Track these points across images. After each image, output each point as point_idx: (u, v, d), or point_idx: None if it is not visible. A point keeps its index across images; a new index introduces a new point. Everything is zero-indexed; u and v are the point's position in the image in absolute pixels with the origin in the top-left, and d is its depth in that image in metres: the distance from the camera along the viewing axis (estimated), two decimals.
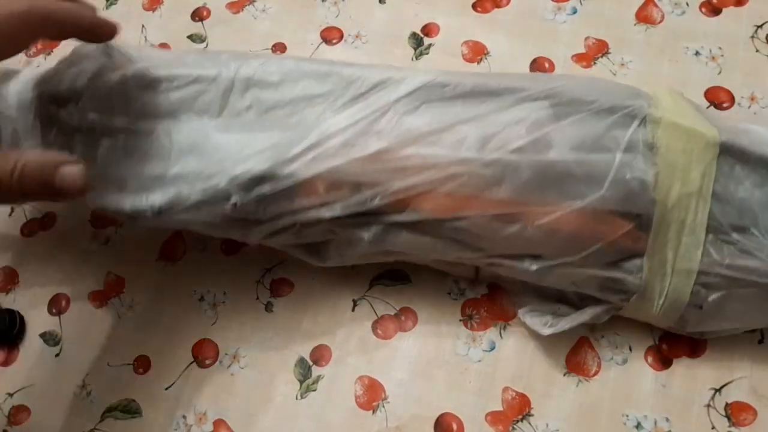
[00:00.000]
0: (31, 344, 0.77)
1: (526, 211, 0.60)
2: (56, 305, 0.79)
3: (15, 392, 0.75)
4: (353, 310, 0.74)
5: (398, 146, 0.61)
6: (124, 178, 0.64)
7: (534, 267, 0.62)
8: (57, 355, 0.76)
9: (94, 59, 0.68)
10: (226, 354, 0.74)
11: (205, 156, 0.63)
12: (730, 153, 0.61)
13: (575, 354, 0.69)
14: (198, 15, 0.96)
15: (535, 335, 0.70)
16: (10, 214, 0.85)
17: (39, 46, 0.98)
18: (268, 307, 0.76)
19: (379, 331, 0.73)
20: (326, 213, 0.61)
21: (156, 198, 0.62)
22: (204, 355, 0.74)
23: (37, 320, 0.78)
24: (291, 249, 0.69)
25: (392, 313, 0.73)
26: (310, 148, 0.61)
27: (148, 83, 0.66)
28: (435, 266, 0.71)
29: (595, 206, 0.59)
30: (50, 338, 0.77)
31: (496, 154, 0.60)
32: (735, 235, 0.59)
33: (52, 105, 0.66)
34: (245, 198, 0.61)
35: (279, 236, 0.66)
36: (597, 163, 0.59)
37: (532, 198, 0.60)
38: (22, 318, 0.78)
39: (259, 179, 0.61)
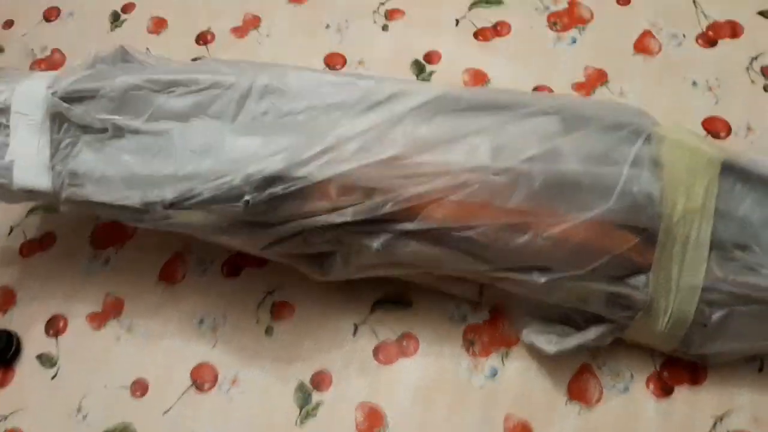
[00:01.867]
0: (27, 366, 0.76)
1: (536, 222, 0.60)
2: (54, 326, 0.78)
3: (9, 415, 0.73)
4: (354, 334, 0.74)
5: (412, 153, 0.62)
6: (135, 175, 0.65)
7: (542, 279, 0.62)
8: (53, 377, 0.75)
9: (110, 62, 0.70)
10: (225, 378, 0.73)
11: (219, 156, 0.64)
12: (731, 171, 0.63)
13: (577, 381, 0.69)
14: (202, 39, 0.98)
15: (537, 361, 0.69)
16: (9, 234, 0.85)
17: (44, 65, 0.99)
18: (269, 330, 0.75)
19: (381, 356, 0.72)
20: (337, 218, 0.62)
21: (168, 192, 0.63)
22: (203, 378, 0.73)
23: (34, 341, 0.77)
24: (294, 260, 0.69)
25: (394, 338, 0.73)
26: (325, 151, 0.62)
27: (163, 86, 0.67)
28: (438, 286, 0.71)
29: (603, 218, 0.60)
30: (46, 360, 0.76)
31: (509, 162, 0.61)
32: (737, 252, 0.61)
33: (65, 103, 0.67)
34: (257, 197, 0.61)
35: (285, 243, 0.65)
36: (605, 176, 0.60)
37: (542, 207, 0.60)
38: (18, 339, 0.77)
39: (273, 179, 0.61)
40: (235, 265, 0.79)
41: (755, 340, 0.64)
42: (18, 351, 0.76)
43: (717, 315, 0.61)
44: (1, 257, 0.84)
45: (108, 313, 0.78)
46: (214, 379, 0.73)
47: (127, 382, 0.74)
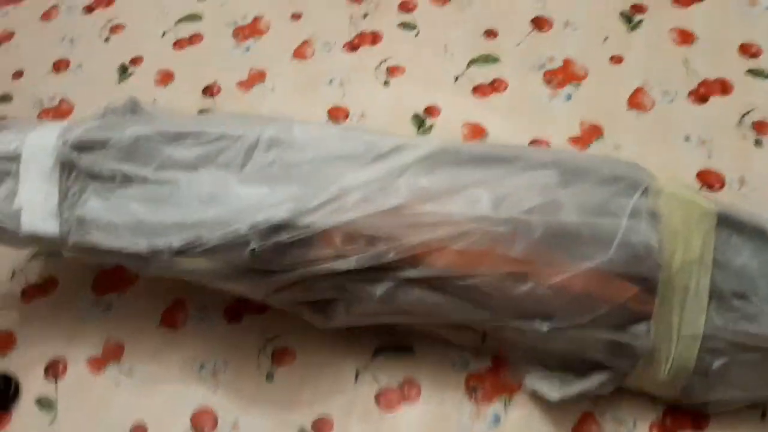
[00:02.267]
0: (25, 410, 0.75)
1: (537, 271, 0.61)
2: (53, 370, 0.77)
3: None
4: (356, 380, 0.73)
5: (414, 203, 0.63)
6: (143, 223, 0.66)
7: (545, 328, 0.62)
8: (51, 421, 0.74)
9: (121, 113, 0.72)
10: (225, 424, 0.72)
11: (226, 205, 0.65)
12: (726, 223, 0.65)
13: (580, 429, 0.68)
14: (209, 91, 1.00)
15: (539, 409, 0.69)
16: (11, 278, 0.85)
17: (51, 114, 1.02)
18: (269, 376, 0.75)
19: (382, 403, 0.72)
20: (341, 265, 0.62)
21: (174, 240, 0.64)
22: (203, 424, 0.72)
23: (33, 385, 0.76)
24: (297, 308, 0.70)
25: (395, 385, 0.73)
26: (330, 200, 0.63)
27: (172, 137, 0.69)
28: (440, 333, 0.71)
29: (603, 268, 0.61)
30: (45, 404, 0.75)
31: (509, 213, 0.62)
32: (736, 302, 0.62)
33: (75, 152, 0.69)
34: (263, 245, 0.62)
35: (289, 290, 0.66)
36: (604, 227, 0.62)
37: (543, 257, 0.62)
38: (17, 382, 0.76)
39: (279, 227, 0.63)
40: (237, 310, 0.79)
41: (756, 388, 0.65)
42: (17, 394, 0.75)
43: (718, 363, 0.62)
44: (2, 301, 0.84)
45: (108, 357, 0.78)
46: (215, 425, 0.72)
47: (127, 427, 0.73)
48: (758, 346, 0.61)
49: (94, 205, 0.68)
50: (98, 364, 0.77)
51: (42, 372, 0.77)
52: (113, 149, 0.68)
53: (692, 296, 0.62)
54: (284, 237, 0.62)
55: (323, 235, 0.63)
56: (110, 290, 0.83)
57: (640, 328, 0.62)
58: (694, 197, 0.66)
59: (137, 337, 0.79)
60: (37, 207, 0.69)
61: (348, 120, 0.95)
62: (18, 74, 1.09)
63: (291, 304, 0.69)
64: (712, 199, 0.68)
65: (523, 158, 0.66)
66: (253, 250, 0.62)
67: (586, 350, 0.64)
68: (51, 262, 0.86)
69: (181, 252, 0.64)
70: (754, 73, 0.90)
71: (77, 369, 0.77)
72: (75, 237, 0.68)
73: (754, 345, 0.61)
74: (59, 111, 1.03)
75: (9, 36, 1.14)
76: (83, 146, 0.69)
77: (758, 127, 0.86)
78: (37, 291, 0.84)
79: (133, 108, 0.75)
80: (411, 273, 0.63)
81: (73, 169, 0.69)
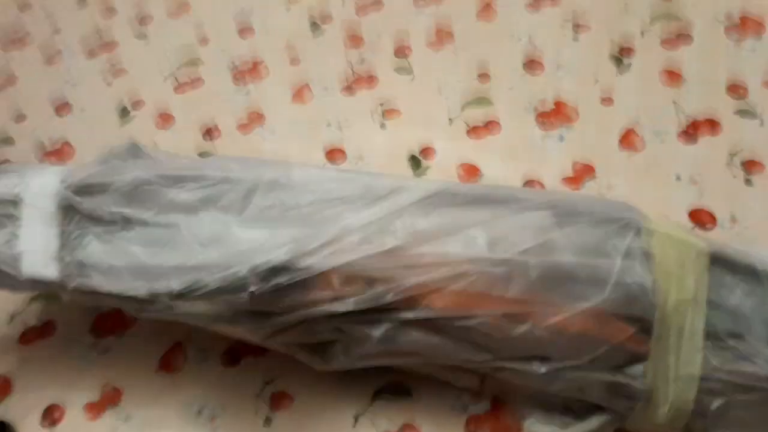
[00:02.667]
0: None
1: (534, 311, 0.62)
2: (50, 417, 0.77)
3: None
4: (354, 425, 0.73)
5: (412, 245, 0.64)
6: (143, 266, 0.66)
7: (543, 369, 0.63)
8: None
9: (122, 157, 0.73)
10: None
11: (226, 248, 0.66)
12: (719, 263, 0.65)
13: None
14: (209, 133, 1.02)
15: None
16: (9, 322, 0.85)
17: (53, 157, 1.03)
18: (267, 421, 0.74)
19: None
20: (339, 307, 0.63)
21: (174, 283, 0.64)
22: None
23: (30, 431, 0.76)
24: (295, 350, 0.70)
25: (394, 429, 0.72)
26: (328, 243, 0.64)
27: (173, 181, 0.70)
28: (439, 375, 0.71)
29: (599, 308, 0.61)
30: None
31: (506, 254, 0.63)
32: (731, 342, 0.62)
33: (76, 196, 0.69)
34: (262, 288, 0.63)
35: (287, 333, 0.66)
36: (599, 267, 0.62)
37: (540, 297, 0.62)
38: (13, 429, 0.75)
39: (278, 270, 0.63)
40: (235, 353, 0.79)
41: (755, 427, 0.65)
42: None
43: (716, 404, 0.62)
44: (0, 345, 0.83)
45: (106, 402, 0.77)
46: None
47: None
48: (756, 385, 0.62)
49: (95, 248, 0.69)
50: (96, 409, 0.77)
51: (39, 418, 0.77)
52: (114, 193, 0.69)
53: (688, 336, 0.62)
54: (284, 279, 0.63)
55: (322, 277, 0.63)
56: (108, 333, 0.83)
57: (638, 369, 0.62)
58: (687, 237, 0.67)
59: (135, 381, 0.79)
60: (38, 251, 0.69)
61: (346, 161, 0.96)
62: (20, 117, 1.10)
63: (289, 347, 0.70)
64: (705, 239, 0.69)
65: (518, 199, 0.67)
66: (252, 292, 0.63)
67: (585, 392, 0.64)
68: (49, 306, 0.86)
69: (180, 295, 0.64)
70: (742, 112, 0.91)
71: (74, 415, 0.77)
72: (75, 281, 0.68)
73: (751, 385, 0.61)
74: (61, 154, 1.04)
75: (12, 80, 1.16)
76: (85, 190, 0.70)
77: (748, 165, 0.87)
78: (35, 334, 0.84)
79: (134, 151, 0.76)
80: (409, 314, 0.63)
81: (75, 213, 0.69)
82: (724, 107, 0.93)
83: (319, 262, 0.63)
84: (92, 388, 0.79)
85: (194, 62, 1.11)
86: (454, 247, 0.64)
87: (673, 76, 0.96)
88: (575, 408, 0.67)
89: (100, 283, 0.67)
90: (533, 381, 0.65)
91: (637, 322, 0.62)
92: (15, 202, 0.71)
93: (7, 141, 1.07)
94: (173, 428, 0.75)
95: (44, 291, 0.83)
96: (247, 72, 1.08)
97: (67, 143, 1.05)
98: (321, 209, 0.68)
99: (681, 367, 0.62)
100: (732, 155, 0.88)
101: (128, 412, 0.77)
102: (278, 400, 0.76)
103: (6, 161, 1.03)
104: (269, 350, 0.74)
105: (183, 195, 0.69)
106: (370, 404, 0.74)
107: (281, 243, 0.65)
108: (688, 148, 0.90)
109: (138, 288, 0.65)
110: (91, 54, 1.17)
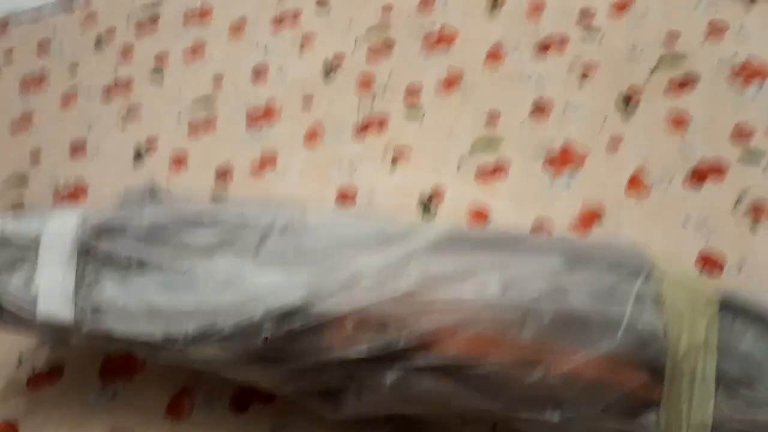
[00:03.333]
0: None
1: (546, 358, 0.62)
2: None
3: None
4: None
5: (425, 289, 0.64)
6: (158, 309, 0.67)
7: (556, 417, 0.62)
8: None
9: (140, 197, 0.74)
10: None
11: (240, 292, 0.66)
12: (729, 308, 0.65)
13: None
14: (223, 175, 1.03)
15: None
16: (18, 366, 0.85)
17: (68, 198, 1.04)
18: None
19: None
20: (352, 352, 0.63)
21: (189, 326, 0.65)
22: None
23: None
24: (306, 397, 0.69)
25: None
26: (342, 286, 0.65)
27: (188, 224, 0.71)
28: (450, 425, 0.71)
29: (611, 355, 0.61)
30: None
31: (518, 299, 0.63)
32: (742, 389, 0.62)
33: (94, 239, 0.70)
34: (276, 332, 0.63)
35: (298, 380, 0.66)
36: (610, 313, 0.63)
37: (552, 343, 0.62)
38: None
39: (292, 313, 0.63)
40: (244, 399, 0.79)
41: None
42: None
43: None
44: (8, 390, 0.83)
45: None
46: None
47: None
48: None
49: (110, 291, 0.69)
50: None
51: None
52: (131, 236, 0.70)
53: (699, 382, 0.62)
54: (297, 323, 0.63)
55: (335, 322, 0.64)
56: (117, 377, 0.83)
57: (650, 417, 0.62)
58: (697, 282, 0.67)
59: (143, 427, 0.78)
60: (55, 293, 0.69)
61: (356, 203, 0.97)
62: (36, 158, 1.12)
63: (300, 393, 0.69)
64: (714, 284, 0.69)
65: (528, 244, 0.68)
66: (266, 338, 0.63)
67: None
68: (58, 349, 0.86)
69: (195, 339, 0.65)
70: (747, 156, 0.92)
71: None
72: (90, 324, 0.69)
73: None
74: (76, 196, 1.06)
75: (28, 120, 1.19)
76: (102, 233, 0.71)
77: (754, 210, 0.87)
78: (43, 379, 0.84)
79: (151, 193, 0.78)
80: (421, 360, 0.63)
81: (91, 255, 0.70)
82: (729, 151, 0.93)
83: (332, 306, 0.64)
84: None
85: (208, 103, 1.13)
86: (467, 292, 0.64)
87: (678, 120, 0.98)
88: None
89: (115, 326, 0.67)
90: (546, 430, 0.64)
91: (649, 368, 0.62)
92: (33, 244, 0.72)
93: (23, 181, 1.09)
94: None
95: (54, 339, 0.82)
96: (261, 116, 1.10)
97: (82, 185, 1.07)
98: (335, 253, 0.69)
99: (693, 415, 0.61)
100: (738, 200, 0.89)
101: None
102: None
103: (21, 205, 1.05)
104: (278, 397, 0.74)
105: (198, 238, 0.70)
106: None
107: (295, 286, 0.65)
108: (694, 193, 0.91)
109: (153, 332, 0.66)
110: (107, 97, 1.19)
